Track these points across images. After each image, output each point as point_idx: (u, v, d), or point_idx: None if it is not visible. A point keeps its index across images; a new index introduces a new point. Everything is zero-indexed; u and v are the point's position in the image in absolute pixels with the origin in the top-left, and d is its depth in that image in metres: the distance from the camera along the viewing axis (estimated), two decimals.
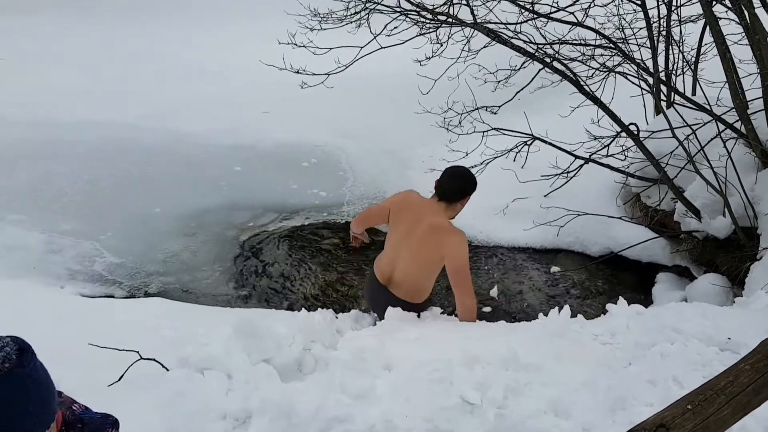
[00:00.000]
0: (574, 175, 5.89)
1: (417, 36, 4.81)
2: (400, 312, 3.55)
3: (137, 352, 3.05)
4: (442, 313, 3.91)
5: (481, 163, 6.07)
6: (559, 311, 3.23)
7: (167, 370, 3.01)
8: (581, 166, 5.78)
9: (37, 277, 4.67)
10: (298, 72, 4.67)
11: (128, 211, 5.76)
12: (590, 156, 5.31)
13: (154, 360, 3.04)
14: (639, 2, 5.45)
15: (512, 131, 6.08)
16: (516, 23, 4.76)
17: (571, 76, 4.89)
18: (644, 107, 4.68)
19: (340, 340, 3.36)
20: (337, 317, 4.13)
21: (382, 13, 4.89)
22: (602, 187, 5.99)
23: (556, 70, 4.91)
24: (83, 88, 7.57)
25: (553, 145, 5.93)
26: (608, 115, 5.02)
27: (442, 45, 4.74)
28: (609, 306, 3.57)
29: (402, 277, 3.61)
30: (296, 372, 3.19)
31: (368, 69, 6.30)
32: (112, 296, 4.71)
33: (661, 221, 5.58)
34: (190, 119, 7.28)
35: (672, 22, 5.23)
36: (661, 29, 5.37)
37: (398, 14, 4.86)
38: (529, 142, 6.13)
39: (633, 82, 4.85)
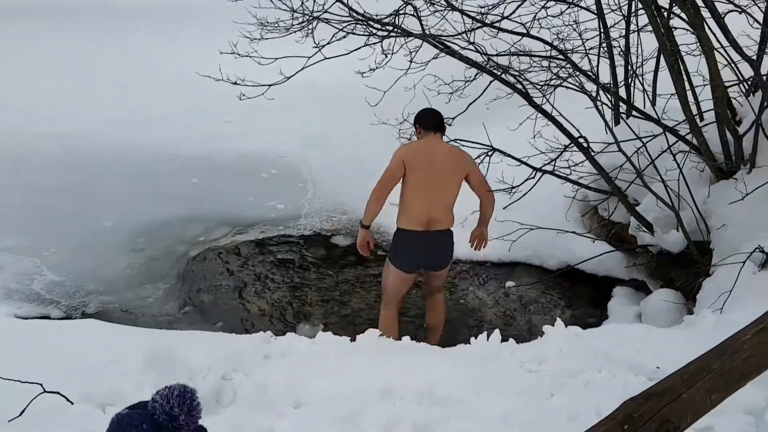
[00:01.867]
0: (531, 188, 5.76)
1: (363, 46, 4.68)
2: (330, 336, 3.46)
3: (41, 384, 2.92)
4: (380, 335, 3.80)
5: None
6: (487, 337, 3.11)
7: (72, 404, 2.88)
8: (539, 178, 5.65)
9: None
10: (235, 83, 4.54)
11: (77, 225, 5.62)
12: (542, 167, 5.19)
13: (58, 393, 2.90)
14: (596, 12, 5.34)
15: (472, 142, 5.95)
16: (459, 33, 4.64)
17: (521, 88, 4.77)
18: (603, 119, 4.57)
19: (264, 367, 3.23)
20: (274, 338, 4.02)
21: (328, 22, 4.76)
22: (562, 200, 5.86)
23: (505, 83, 4.79)
24: (45, 97, 7.42)
25: (512, 157, 5.80)
26: (558, 128, 4.90)
27: (387, 56, 4.62)
28: (546, 328, 3.46)
29: (443, 210, 4.02)
30: (213, 404, 3.05)
31: (336, 77, 6.17)
32: (47, 317, 4.58)
33: (618, 234, 5.47)
34: (152, 129, 7.12)
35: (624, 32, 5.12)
36: (614, 39, 5.26)
37: (347, 23, 4.73)
38: (489, 154, 6.00)
39: (587, 94, 4.73)
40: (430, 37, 4.68)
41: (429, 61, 4.93)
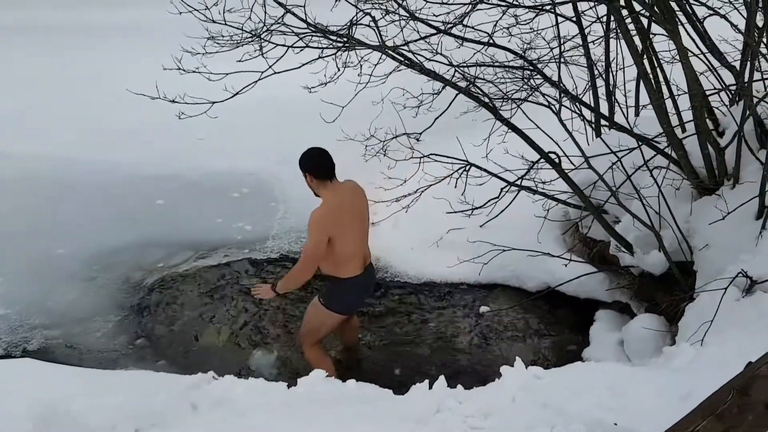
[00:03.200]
0: (508, 205, 5.44)
1: (316, 59, 4.37)
2: (267, 385, 3.19)
3: None
4: (327, 376, 3.49)
5: (416, 192, 5.65)
6: (430, 385, 2.78)
7: None
8: (516, 194, 5.32)
9: None
10: (173, 101, 4.24)
11: (28, 253, 5.35)
12: (514, 182, 4.86)
13: None
14: (574, 19, 5.01)
15: (449, 157, 5.63)
16: (418, 40, 4.32)
17: (487, 101, 4.45)
18: (567, 131, 4.25)
19: (187, 422, 2.92)
20: (215, 378, 3.71)
21: (283, 34, 4.45)
22: (540, 218, 5.52)
23: (470, 96, 4.47)
24: (5, 115, 7.18)
25: (488, 172, 5.48)
26: (527, 142, 4.57)
27: (340, 69, 4.31)
28: (503, 369, 3.12)
29: (367, 244, 3.95)
30: None
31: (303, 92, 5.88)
32: None
33: (600, 254, 5.13)
34: (115, 148, 6.87)
35: (594, 40, 4.80)
36: (593, 43, 4.94)
37: (302, 35, 4.42)
38: (466, 169, 5.68)
39: (549, 107, 4.40)
40: (389, 48, 4.36)
41: (389, 74, 4.62)
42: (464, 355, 4.67)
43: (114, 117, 7.25)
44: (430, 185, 5.62)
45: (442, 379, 2.81)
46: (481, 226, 5.75)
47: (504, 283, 5.42)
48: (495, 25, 4.42)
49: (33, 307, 4.78)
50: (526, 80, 4.22)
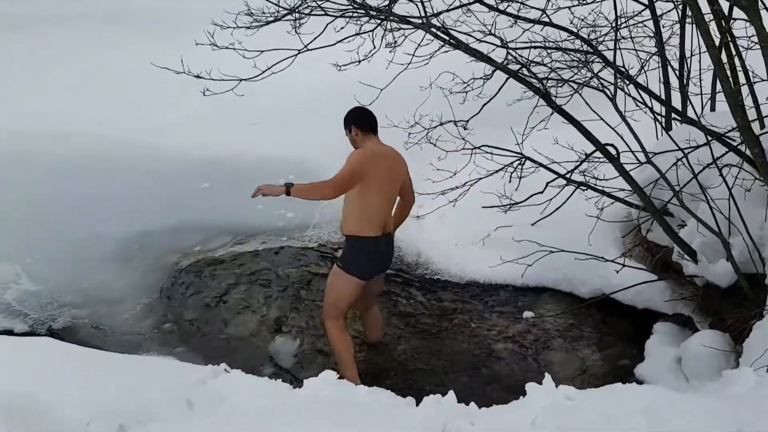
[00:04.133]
0: (564, 202, 5.01)
1: (354, 36, 4.10)
2: (274, 386, 2.98)
3: None
4: (339, 378, 3.24)
5: (463, 185, 5.29)
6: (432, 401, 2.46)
7: None
8: (572, 192, 4.89)
9: None
10: (198, 76, 4.06)
11: (69, 232, 5.32)
12: (563, 175, 4.45)
13: None
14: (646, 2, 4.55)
15: (502, 149, 5.25)
16: (458, 7, 3.95)
17: (541, 87, 4.06)
18: (624, 121, 3.81)
19: (178, 422, 2.70)
20: (227, 371, 3.51)
21: (323, 10, 4.20)
22: (603, 217, 5.03)
23: (520, 80, 4.09)
24: (63, 98, 7.27)
25: (545, 167, 5.07)
26: (582, 133, 4.15)
27: (375, 47, 4.02)
28: (529, 387, 2.76)
29: (391, 213, 3.94)
30: None
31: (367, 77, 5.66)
32: (10, 331, 4.25)
33: (664, 260, 4.65)
34: (165, 132, 6.79)
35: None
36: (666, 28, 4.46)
37: (343, 10, 4.16)
38: (520, 163, 5.29)
39: (607, 94, 3.97)
40: (434, 27, 4.05)
41: (434, 54, 4.29)
42: (500, 363, 4.31)
43: (166, 102, 7.22)
44: (480, 179, 5.25)
45: (451, 395, 2.50)
46: (532, 224, 5.36)
47: (554, 287, 5.03)
48: (548, 1, 4.01)
49: (65, 286, 4.74)
50: (582, 65, 3.80)
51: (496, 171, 5.26)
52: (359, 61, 4.03)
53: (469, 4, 3.99)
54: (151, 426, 2.62)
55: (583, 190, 4.42)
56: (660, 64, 4.76)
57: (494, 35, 4.30)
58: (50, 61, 8.12)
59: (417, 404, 3.07)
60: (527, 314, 4.70)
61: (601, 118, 4.31)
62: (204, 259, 5.23)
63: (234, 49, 4.26)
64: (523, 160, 5.18)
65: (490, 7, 3.96)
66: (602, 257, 4.45)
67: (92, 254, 5.10)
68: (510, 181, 5.15)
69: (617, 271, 4.42)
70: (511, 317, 4.73)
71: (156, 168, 6.38)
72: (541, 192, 4.69)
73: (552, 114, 4.31)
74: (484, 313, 4.78)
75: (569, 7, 4.28)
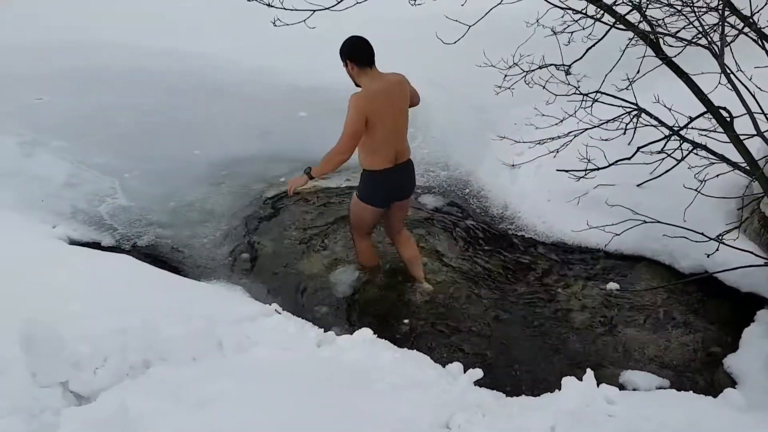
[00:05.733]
0: (674, 165, 4.51)
1: None
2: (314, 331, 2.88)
3: None
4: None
5: (567, 134, 4.89)
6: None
7: None
8: (685, 155, 4.37)
9: (37, 213, 4.53)
10: (269, 5, 3.88)
11: (166, 149, 5.49)
12: (673, 133, 3.94)
13: None
14: None
15: (618, 98, 4.75)
16: None
17: (651, 36, 3.55)
18: (733, 87, 3.25)
19: (199, 360, 2.71)
20: (279, 311, 3.52)
21: None
22: (711, 184, 4.49)
23: (629, 25, 3.59)
24: (178, 17, 7.41)
25: (660, 121, 4.54)
26: (693, 92, 3.61)
27: None
28: (565, 381, 2.50)
29: (405, 140, 3.96)
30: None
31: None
32: (98, 243, 4.47)
33: None
34: (272, 57, 6.77)
35: None
36: None
37: None
38: (633, 114, 4.78)
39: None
40: None
41: None
42: (571, 335, 4.01)
43: (275, 27, 7.15)
44: (585, 129, 4.81)
45: (472, 372, 2.29)
46: (638, 185, 4.90)
47: (653, 258, 4.60)
48: None
49: (154, 204, 4.89)
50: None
51: (607, 121, 4.80)
52: None
53: None
54: (170, 365, 2.63)
55: (693, 149, 3.91)
56: None
57: None
58: None
59: (464, 370, 2.93)
60: (611, 285, 4.33)
61: (733, 72, 3.72)
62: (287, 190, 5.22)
63: None
64: (639, 112, 4.68)
65: None
66: (701, 232, 3.96)
67: (185, 175, 5.23)
68: (624, 133, 4.69)
69: (715, 250, 3.94)
70: (596, 287, 4.37)
71: (258, 93, 6.42)
72: (629, 159, 4.20)
73: (659, 66, 3.78)
74: (566, 278, 4.47)
75: None
